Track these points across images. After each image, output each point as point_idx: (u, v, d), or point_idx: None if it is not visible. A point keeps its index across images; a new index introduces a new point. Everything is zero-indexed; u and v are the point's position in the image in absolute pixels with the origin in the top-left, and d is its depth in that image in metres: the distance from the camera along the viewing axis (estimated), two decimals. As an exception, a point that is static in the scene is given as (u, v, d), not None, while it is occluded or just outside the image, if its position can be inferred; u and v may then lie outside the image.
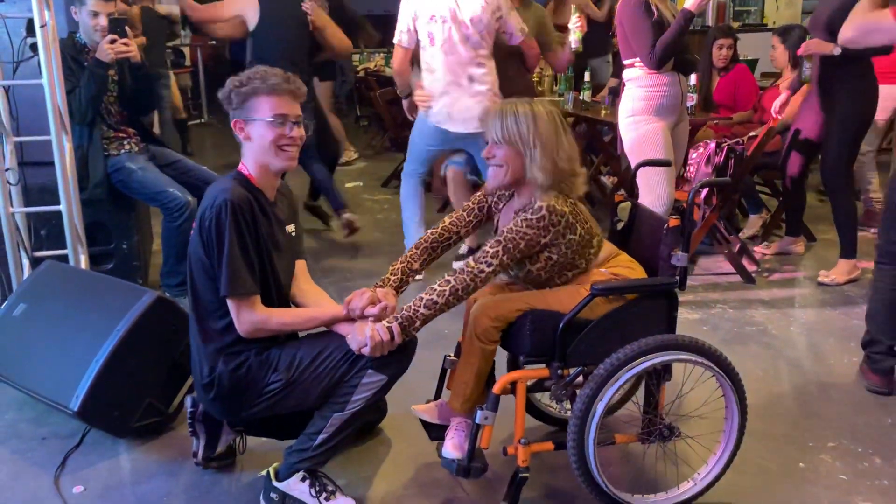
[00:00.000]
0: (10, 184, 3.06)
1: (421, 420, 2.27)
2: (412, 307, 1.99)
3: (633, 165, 3.35)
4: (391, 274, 2.20)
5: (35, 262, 3.11)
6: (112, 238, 3.58)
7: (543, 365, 2.08)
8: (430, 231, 2.29)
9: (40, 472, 2.32)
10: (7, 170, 3.05)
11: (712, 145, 3.96)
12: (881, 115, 4.58)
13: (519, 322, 2.05)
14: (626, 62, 3.48)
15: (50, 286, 2.70)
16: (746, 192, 4.69)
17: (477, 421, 2.02)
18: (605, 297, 2.02)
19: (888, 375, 2.81)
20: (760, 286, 3.93)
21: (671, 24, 3.31)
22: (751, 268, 4.14)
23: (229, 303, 2.00)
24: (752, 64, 6.74)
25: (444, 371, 2.33)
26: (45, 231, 3.37)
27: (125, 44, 3.35)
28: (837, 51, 3.57)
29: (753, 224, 4.78)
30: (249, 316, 2.00)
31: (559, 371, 2.04)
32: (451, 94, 3.68)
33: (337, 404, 2.02)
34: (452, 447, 2.09)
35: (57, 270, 2.78)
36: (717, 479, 2.15)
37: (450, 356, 2.32)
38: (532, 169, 2.05)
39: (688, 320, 3.49)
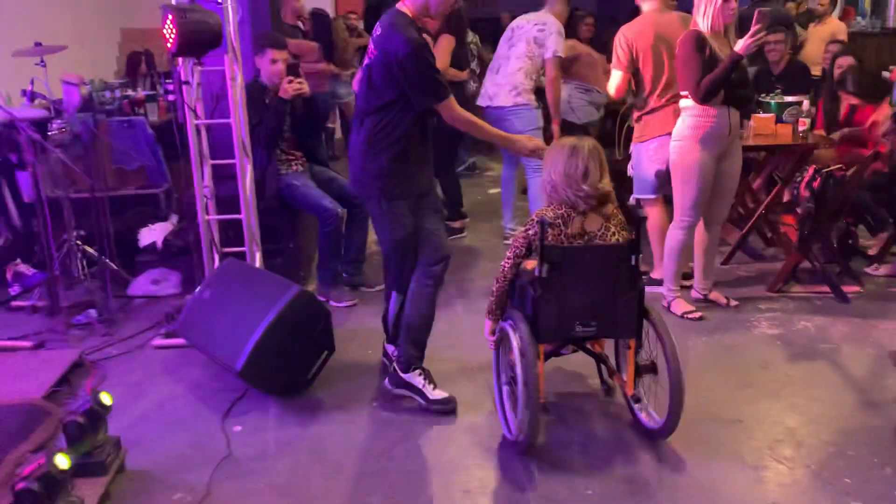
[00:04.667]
0: (206, 197, 4.01)
1: None
2: None
3: (673, 184, 3.93)
4: None
5: (223, 257, 4.05)
6: (281, 238, 4.46)
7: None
8: None
9: (213, 414, 3.19)
10: (205, 186, 4.00)
11: (811, 171, 4.17)
12: None
13: None
14: (682, 93, 3.82)
15: (227, 277, 3.59)
16: (868, 211, 4.77)
17: None
18: None
19: None
20: (855, 307, 4.10)
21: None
22: (853, 289, 4.29)
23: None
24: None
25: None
26: (233, 232, 4.31)
27: (300, 82, 4.21)
28: None
29: (880, 242, 4.84)
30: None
31: None
32: None
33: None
34: None
35: (233, 266, 3.67)
36: None
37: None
38: None
39: (765, 335, 3.79)
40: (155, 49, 7.37)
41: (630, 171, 4.44)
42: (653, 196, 4.31)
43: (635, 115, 4.29)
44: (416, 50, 2.82)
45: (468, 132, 3.19)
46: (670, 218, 4.13)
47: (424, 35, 2.93)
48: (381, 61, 2.90)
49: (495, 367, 3.03)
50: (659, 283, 4.24)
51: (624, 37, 4.14)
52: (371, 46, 2.98)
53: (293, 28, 6.54)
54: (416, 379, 3.18)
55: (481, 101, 5.20)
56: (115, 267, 4.46)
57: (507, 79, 4.99)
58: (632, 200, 4.37)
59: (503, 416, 2.94)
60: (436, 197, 3.27)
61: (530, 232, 2.81)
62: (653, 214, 4.33)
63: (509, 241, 5.32)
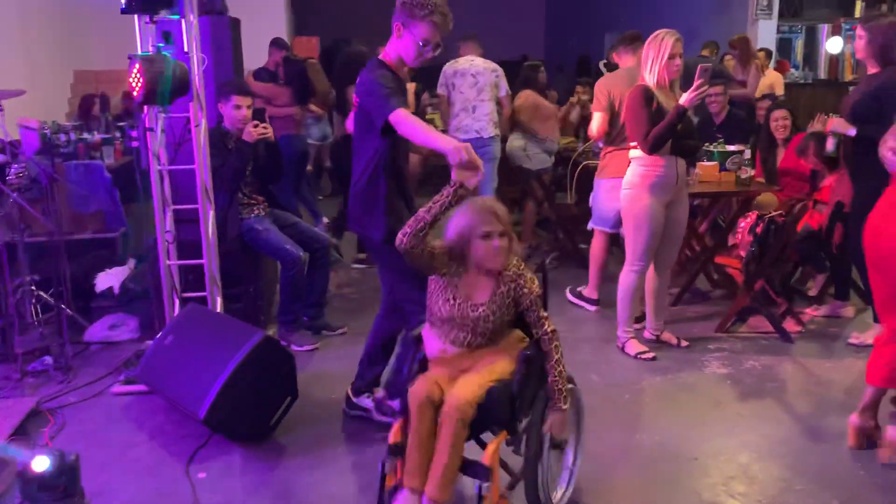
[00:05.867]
0: (168, 242, 4.01)
1: None
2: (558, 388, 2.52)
3: (623, 230, 4.15)
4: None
5: (184, 302, 4.04)
6: (242, 283, 4.46)
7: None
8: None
9: (177, 461, 3.16)
10: (168, 232, 4.00)
11: (754, 216, 4.40)
12: None
13: (486, 401, 2.41)
14: (631, 143, 4.03)
15: (190, 323, 3.59)
16: (808, 254, 5.01)
17: (483, 493, 2.34)
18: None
19: None
20: (798, 347, 4.30)
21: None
22: (795, 329, 4.50)
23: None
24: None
25: (384, 476, 2.50)
26: (193, 277, 4.30)
27: (265, 127, 4.27)
28: (852, 132, 3.98)
29: (818, 284, 5.09)
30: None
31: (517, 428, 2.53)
32: None
33: None
34: None
35: (196, 311, 3.68)
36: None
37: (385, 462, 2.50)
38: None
39: (715, 374, 3.95)
40: (110, 91, 7.36)
41: (591, 202, 5.00)
42: (601, 227, 4.88)
43: (605, 149, 4.78)
44: (371, 74, 2.99)
45: (411, 138, 2.96)
46: (607, 249, 4.92)
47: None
48: (358, 104, 3.09)
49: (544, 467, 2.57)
50: (591, 301, 4.99)
51: (604, 84, 4.74)
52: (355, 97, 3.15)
53: (272, 74, 6.67)
54: (365, 401, 3.47)
55: (466, 136, 5.73)
56: (71, 312, 4.40)
57: (486, 116, 5.80)
58: (590, 226, 5.04)
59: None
60: None
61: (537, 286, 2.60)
62: (596, 243, 4.99)
63: None
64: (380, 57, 3.11)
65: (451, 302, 2.52)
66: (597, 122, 4.72)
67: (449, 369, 2.55)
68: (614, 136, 4.65)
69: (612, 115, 4.65)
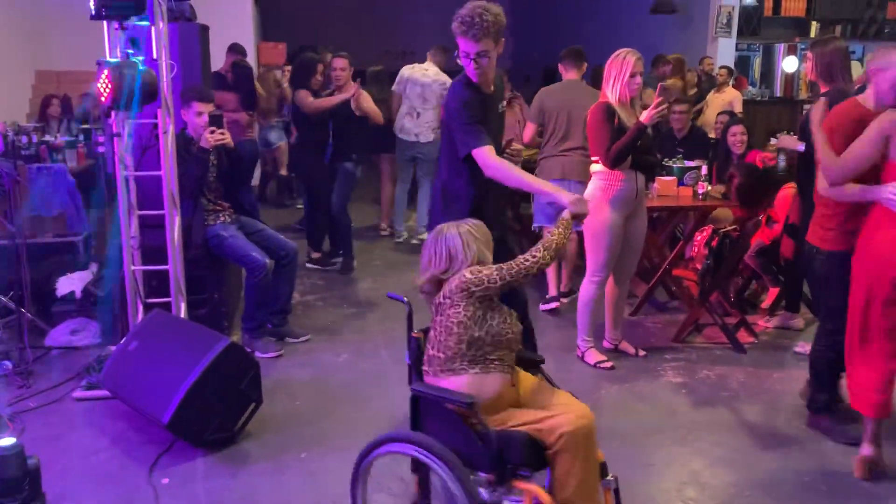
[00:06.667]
0: (133, 247, 4.01)
1: None
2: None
3: (585, 242, 4.23)
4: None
5: (147, 307, 4.03)
6: (206, 289, 4.46)
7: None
8: None
9: (140, 467, 3.17)
10: (132, 237, 4.00)
11: (710, 230, 4.54)
12: None
13: None
14: (593, 158, 4.15)
15: (155, 329, 3.60)
16: (763, 268, 5.18)
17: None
18: None
19: None
20: (750, 357, 4.45)
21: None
22: (748, 339, 4.65)
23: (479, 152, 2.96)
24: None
25: None
26: (156, 282, 4.29)
27: (222, 133, 4.28)
28: (801, 148, 4.13)
29: (771, 296, 5.26)
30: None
31: None
32: None
33: None
34: None
35: (161, 317, 3.68)
36: None
37: None
38: None
39: (671, 384, 4.07)
40: (72, 92, 7.28)
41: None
42: (538, 224, 5.21)
43: (538, 158, 5.27)
44: (456, 97, 3.09)
45: (500, 181, 3.07)
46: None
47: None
48: (444, 118, 3.23)
49: None
50: (550, 299, 5.18)
51: (538, 97, 5.21)
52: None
53: (222, 77, 6.67)
54: None
55: (406, 137, 6.63)
56: (31, 316, 4.36)
57: (427, 122, 6.58)
58: (534, 227, 5.33)
59: None
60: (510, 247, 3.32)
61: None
62: None
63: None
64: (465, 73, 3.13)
65: (510, 319, 2.51)
66: (526, 131, 5.36)
67: (498, 408, 2.44)
68: (544, 144, 5.14)
69: (543, 125, 5.16)
